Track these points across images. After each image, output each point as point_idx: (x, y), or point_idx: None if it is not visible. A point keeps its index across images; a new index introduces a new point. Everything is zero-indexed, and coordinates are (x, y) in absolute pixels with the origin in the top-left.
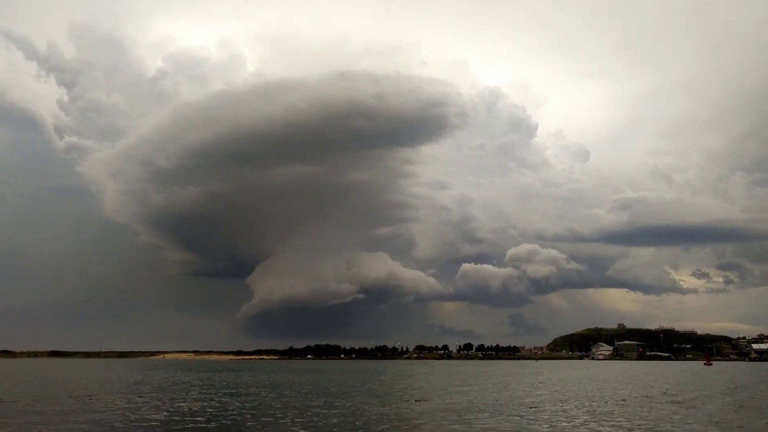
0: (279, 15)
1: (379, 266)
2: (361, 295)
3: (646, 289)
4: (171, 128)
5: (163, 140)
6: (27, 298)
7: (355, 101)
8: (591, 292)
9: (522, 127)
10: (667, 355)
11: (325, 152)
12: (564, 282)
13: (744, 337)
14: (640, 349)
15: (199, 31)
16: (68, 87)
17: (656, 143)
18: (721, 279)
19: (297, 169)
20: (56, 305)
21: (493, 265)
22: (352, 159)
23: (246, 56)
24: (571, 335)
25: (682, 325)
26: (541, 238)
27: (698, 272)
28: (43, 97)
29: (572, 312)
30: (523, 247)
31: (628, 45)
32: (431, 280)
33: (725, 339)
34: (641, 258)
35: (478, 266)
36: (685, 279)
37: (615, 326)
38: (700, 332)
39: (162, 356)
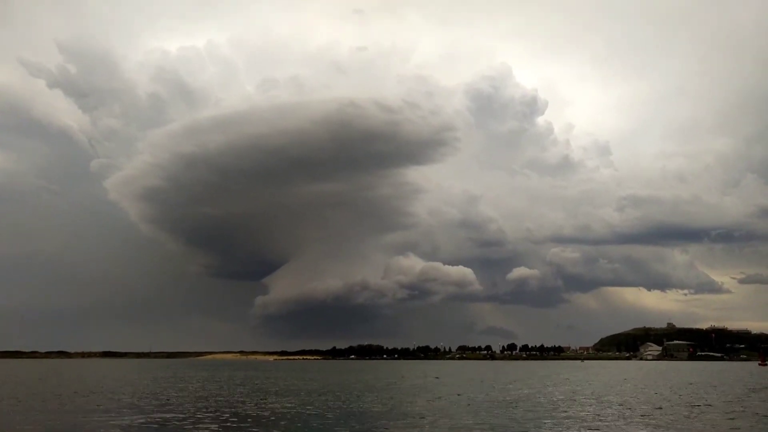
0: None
1: (415, 267)
2: (401, 296)
3: (684, 287)
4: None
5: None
6: (80, 300)
7: None
8: (629, 291)
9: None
10: (719, 355)
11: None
12: (601, 281)
13: None
14: (691, 349)
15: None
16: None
17: (674, 143)
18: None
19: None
20: (107, 308)
21: (528, 266)
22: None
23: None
24: (618, 335)
25: (731, 325)
26: (571, 239)
27: (735, 271)
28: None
29: (611, 312)
30: (555, 248)
31: (632, 47)
32: (469, 279)
33: None
34: (677, 257)
35: (517, 267)
36: (722, 278)
37: (664, 325)
38: (754, 331)
39: (210, 356)
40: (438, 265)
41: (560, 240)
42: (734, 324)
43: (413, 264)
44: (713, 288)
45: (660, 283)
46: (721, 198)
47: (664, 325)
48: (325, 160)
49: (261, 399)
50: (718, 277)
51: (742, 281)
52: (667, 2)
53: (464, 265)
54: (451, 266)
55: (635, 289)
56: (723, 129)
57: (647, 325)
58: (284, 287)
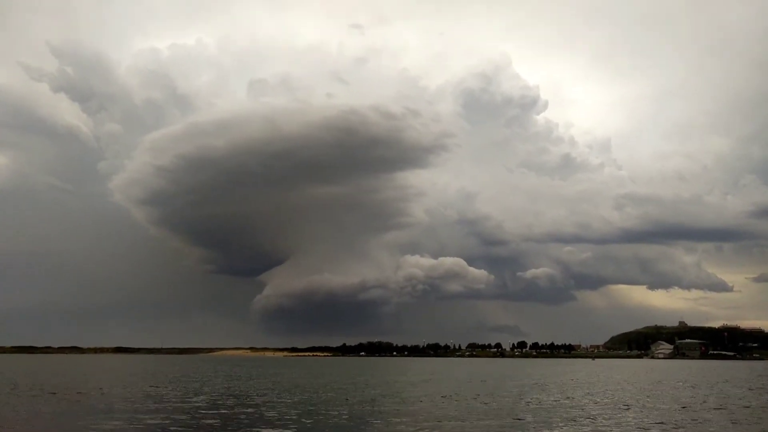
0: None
1: (424, 265)
2: (410, 293)
3: (689, 286)
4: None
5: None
6: (93, 297)
7: None
8: (637, 289)
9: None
10: (732, 354)
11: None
12: (606, 280)
13: None
14: (703, 348)
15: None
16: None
17: (673, 142)
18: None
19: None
20: (119, 304)
21: (535, 264)
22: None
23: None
24: (629, 333)
25: (743, 323)
26: (575, 237)
27: (740, 270)
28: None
29: (620, 310)
30: (560, 246)
31: (627, 48)
32: (478, 277)
33: None
34: (680, 256)
35: (525, 265)
36: (727, 277)
37: (675, 324)
38: (767, 330)
39: (221, 353)
40: (447, 262)
41: (563, 238)
42: (744, 323)
43: (422, 262)
44: (717, 287)
45: (665, 282)
46: (721, 198)
47: (675, 324)
48: (333, 162)
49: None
50: (724, 276)
51: (748, 280)
52: (662, 3)
53: (472, 264)
54: (459, 264)
55: (642, 288)
56: (719, 129)
57: (658, 324)
58: (292, 283)
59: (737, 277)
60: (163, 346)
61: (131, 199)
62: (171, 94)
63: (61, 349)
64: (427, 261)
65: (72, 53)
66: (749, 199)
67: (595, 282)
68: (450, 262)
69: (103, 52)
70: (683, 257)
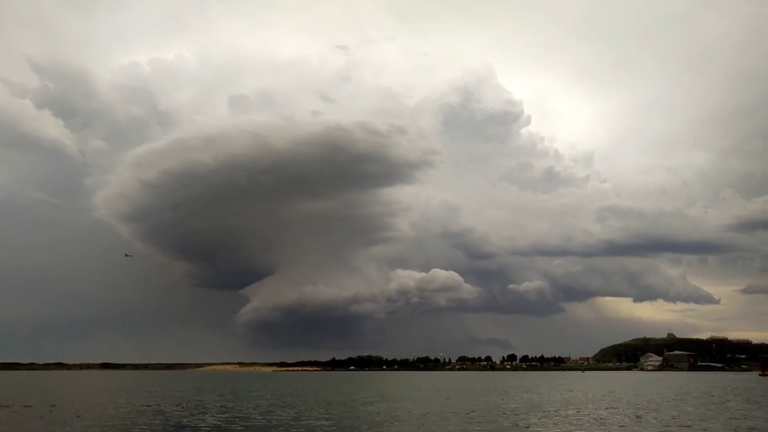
0: None
1: (413, 279)
2: (398, 306)
3: (675, 298)
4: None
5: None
6: (78, 312)
7: None
8: (623, 302)
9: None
10: (720, 365)
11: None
12: (592, 292)
13: None
14: (691, 360)
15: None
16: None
17: (654, 157)
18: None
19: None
20: (105, 319)
21: (522, 277)
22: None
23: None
24: (618, 345)
25: (730, 335)
26: (561, 250)
27: (723, 283)
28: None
29: (608, 323)
30: (546, 259)
31: (608, 63)
32: (466, 290)
33: None
34: (664, 269)
35: (512, 278)
36: (711, 289)
37: (664, 336)
38: (755, 341)
39: (209, 368)
40: (436, 276)
41: (549, 251)
42: (731, 334)
43: (411, 275)
44: (702, 299)
45: (650, 294)
46: (702, 211)
47: (664, 336)
48: (320, 177)
49: None
50: (708, 288)
51: (735, 292)
52: (642, 19)
53: (461, 277)
54: (448, 277)
55: (627, 300)
56: (700, 143)
57: (647, 336)
58: (279, 297)
59: (722, 289)
60: (151, 362)
61: (116, 214)
62: (153, 109)
63: (47, 366)
64: (416, 274)
65: (53, 69)
66: (729, 212)
67: (582, 294)
68: (439, 275)
69: (84, 68)
70: (668, 270)
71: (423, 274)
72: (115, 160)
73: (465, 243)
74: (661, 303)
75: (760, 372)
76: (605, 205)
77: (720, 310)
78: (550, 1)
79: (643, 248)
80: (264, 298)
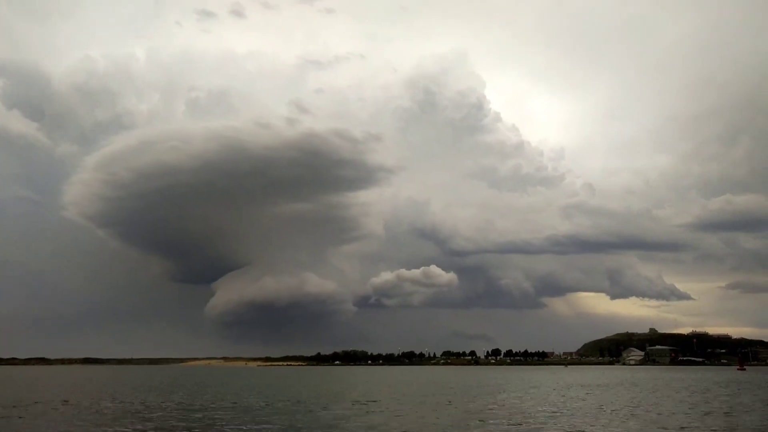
0: None
1: (395, 274)
2: (380, 301)
3: (646, 295)
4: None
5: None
6: (60, 307)
7: None
8: (599, 297)
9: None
10: (700, 360)
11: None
12: (570, 288)
13: None
14: (673, 354)
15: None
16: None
17: (618, 159)
18: (723, 285)
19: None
20: (87, 314)
21: (500, 274)
22: None
23: None
24: (601, 340)
25: (712, 330)
26: (536, 248)
27: (699, 279)
28: None
29: (590, 317)
30: (523, 256)
31: (569, 65)
32: (449, 284)
33: (761, 343)
34: (641, 265)
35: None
36: (686, 285)
37: (646, 331)
38: (734, 336)
39: (193, 363)
40: (417, 272)
41: (525, 249)
42: (713, 329)
43: (393, 271)
44: (671, 296)
45: (624, 292)
46: (665, 211)
47: (646, 331)
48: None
49: None
50: (680, 285)
51: (708, 289)
52: (600, 24)
53: (443, 273)
54: (431, 273)
55: (603, 296)
56: (660, 146)
57: (630, 331)
58: (264, 292)
59: (695, 286)
60: (134, 357)
61: (86, 214)
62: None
63: (28, 360)
64: (398, 271)
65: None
66: (692, 212)
67: (562, 290)
68: (421, 271)
69: (40, 67)
70: (638, 266)
71: (405, 271)
72: (81, 158)
73: (443, 239)
74: (634, 300)
75: (738, 366)
76: (573, 202)
77: (695, 306)
78: (511, 5)
79: (614, 246)
80: (240, 291)
